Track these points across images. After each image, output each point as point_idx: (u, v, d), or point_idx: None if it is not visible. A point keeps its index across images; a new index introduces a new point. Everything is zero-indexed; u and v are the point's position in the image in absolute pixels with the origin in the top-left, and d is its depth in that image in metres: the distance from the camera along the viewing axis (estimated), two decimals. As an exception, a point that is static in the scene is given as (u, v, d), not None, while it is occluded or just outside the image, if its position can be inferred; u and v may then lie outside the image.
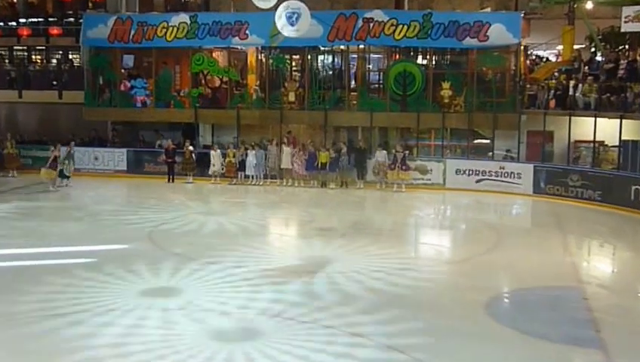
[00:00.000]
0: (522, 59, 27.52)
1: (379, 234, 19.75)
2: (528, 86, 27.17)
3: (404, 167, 25.80)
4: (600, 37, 27.61)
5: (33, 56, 35.84)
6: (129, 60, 30.54)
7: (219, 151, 27.42)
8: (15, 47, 35.24)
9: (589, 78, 24.90)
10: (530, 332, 12.02)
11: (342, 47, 28.76)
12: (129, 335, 11.71)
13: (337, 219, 21.46)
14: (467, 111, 26.72)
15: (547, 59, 32.13)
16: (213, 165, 27.24)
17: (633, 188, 22.25)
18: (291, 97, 28.43)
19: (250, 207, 23.79)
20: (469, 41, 26.35)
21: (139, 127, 30.43)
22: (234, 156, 27.19)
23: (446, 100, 27.00)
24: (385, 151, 26.43)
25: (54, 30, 33.51)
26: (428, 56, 28.53)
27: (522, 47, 27.43)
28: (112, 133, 30.96)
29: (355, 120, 28.17)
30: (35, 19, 35.10)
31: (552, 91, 26.05)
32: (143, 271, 15.22)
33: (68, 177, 26.24)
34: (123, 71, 30.38)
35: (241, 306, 13.09)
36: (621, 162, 23.71)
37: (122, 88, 29.65)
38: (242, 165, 27.10)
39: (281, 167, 27.11)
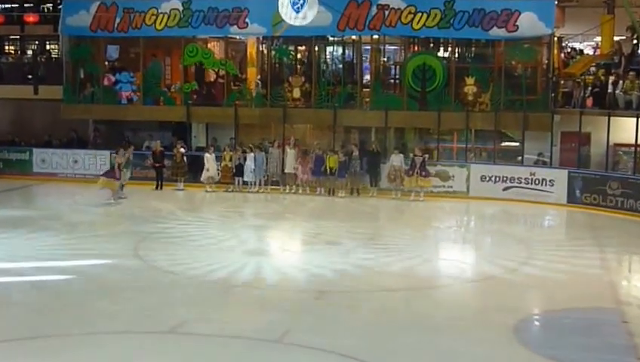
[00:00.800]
0: (556, 52, 27.59)
1: (394, 248, 19.81)
2: (562, 82, 27.27)
3: (423, 173, 25.83)
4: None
5: (6, 47, 35.79)
6: (114, 51, 30.64)
7: (213, 154, 27.41)
8: (-16, 37, 35.50)
9: (631, 73, 24.95)
10: (562, 360, 12.04)
11: (353, 37, 28.90)
12: None
13: (347, 231, 21.47)
14: (494, 110, 26.74)
15: (583, 52, 32.24)
16: (207, 170, 27.19)
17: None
18: (296, 94, 28.52)
19: (249, 217, 23.86)
20: (497, 32, 26.38)
21: (124, 127, 30.59)
22: (230, 160, 27.31)
23: (470, 98, 27.06)
24: (401, 155, 26.46)
25: (30, 17, 33.50)
26: (450, 48, 28.62)
27: (556, 39, 27.49)
28: (94, 134, 31.05)
29: (367, 119, 28.21)
30: (9, 5, 35.34)
31: (589, 88, 26.13)
32: (127, 290, 15.43)
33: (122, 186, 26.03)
34: (107, 63, 30.52)
35: (235, 330, 13.25)
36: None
37: (106, 83, 29.75)
38: (239, 170, 27.23)
39: (285, 171, 27.25)
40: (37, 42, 35.06)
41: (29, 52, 35.06)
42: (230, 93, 29.12)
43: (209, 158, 27.27)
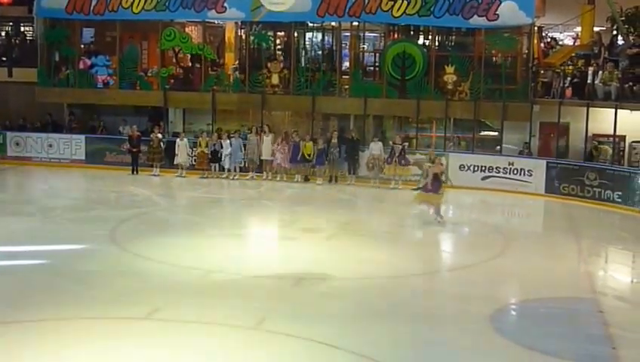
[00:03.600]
0: (536, 41, 27.76)
1: (372, 236, 19.88)
2: (542, 72, 27.47)
3: (402, 162, 25.97)
4: (623, 18, 27.86)
5: (-21, 28, 35.67)
6: (90, 34, 30.48)
7: (185, 140, 27.47)
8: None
9: (610, 64, 25.10)
10: (539, 349, 12.12)
11: (333, 23, 28.89)
12: None
13: (325, 219, 21.55)
14: (473, 99, 26.82)
15: (563, 42, 32.39)
16: (177, 155, 27.23)
17: (658, 188, 22.56)
18: (274, 80, 28.43)
19: (225, 204, 23.88)
20: (477, 20, 26.43)
21: (100, 111, 30.46)
22: (206, 146, 27.31)
23: (450, 86, 27.11)
24: (380, 143, 26.50)
25: (4, -2, 33.42)
26: (430, 37, 28.70)
27: (536, 28, 27.70)
28: (69, 118, 30.87)
29: (346, 107, 28.33)
30: (-18, -14, 34.98)
31: (569, 78, 26.28)
32: (102, 276, 15.40)
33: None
34: (82, 46, 30.39)
35: (211, 316, 13.28)
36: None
37: (81, 66, 29.52)
38: (216, 156, 27.25)
39: (262, 158, 27.26)
40: (11, 24, 34.64)
41: (3, 34, 34.74)
42: (208, 78, 29.04)
43: (179, 144, 27.29)
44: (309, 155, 26.43)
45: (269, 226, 21.56)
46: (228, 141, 26.97)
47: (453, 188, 25.28)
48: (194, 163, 27.49)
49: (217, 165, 27.24)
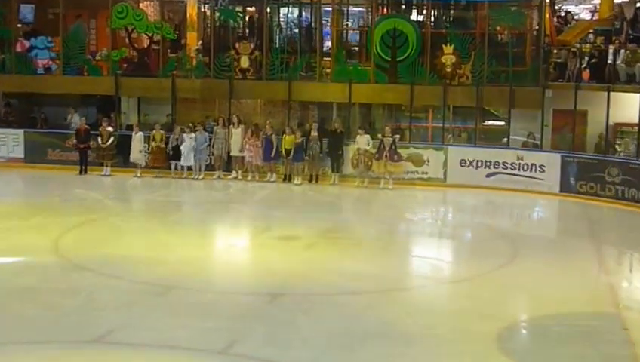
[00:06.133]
0: (548, 16, 27.79)
1: (358, 244, 19.88)
2: (555, 52, 27.45)
3: (394, 157, 25.97)
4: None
5: None
6: (28, 12, 30.36)
7: (140, 134, 27.40)
8: None
9: (633, 45, 25.20)
10: (553, 373, 12.23)
11: (312, -4, 29.04)
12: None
13: (304, 224, 21.55)
14: (475, 83, 26.96)
15: (580, 17, 32.50)
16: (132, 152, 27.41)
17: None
18: (244, 63, 28.44)
19: (187, 208, 23.86)
20: (479, -9, 26.68)
21: (41, 101, 30.33)
22: (162, 140, 27.21)
23: (448, 69, 27.19)
24: (368, 136, 26.48)
25: None
26: (425, 11, 28.78)
27: (548, 1, 27.77)
28: (5, 109, 30.77)
29: (328, 94, 28.37)
30: None
31: (586, 59, 26.34)
32: (45, 293, 15.32)
33: None
34: (20, 26, 30.24)
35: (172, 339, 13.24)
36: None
37: (18, 49, 29.51)
38: (177, 152, 27.11)
39: (230, 154, 27.26)
40: None
41: None
42: (167, 61, 29.05)
43: (135, 138, 27.31)
44: (288, 151, 26.37)
45: (240, 234, 21.51)
46: (192, 135, 26.95)
47: (454, 186, 25.38)
48: (146, 160, 27.43)
49: (177, 163, 27.22)
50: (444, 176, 26.47)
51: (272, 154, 26.54)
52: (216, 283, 16.22)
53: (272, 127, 26.88)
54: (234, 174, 27.09)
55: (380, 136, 26.43)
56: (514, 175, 25.88)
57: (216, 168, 27.21)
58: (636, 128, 24.98)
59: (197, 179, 27.00)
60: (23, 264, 17.18)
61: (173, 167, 27.22)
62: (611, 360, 12.86)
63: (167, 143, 27.01)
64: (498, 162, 26.05)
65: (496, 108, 27.94)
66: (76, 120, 28.45)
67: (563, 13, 31.56)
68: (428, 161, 26.57)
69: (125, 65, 29.36)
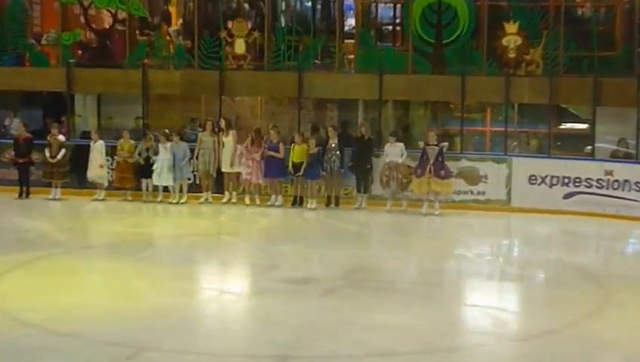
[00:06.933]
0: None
1: (393, 289, 19.79)
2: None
3: (441, 172, 25.94)
4: None
5: None
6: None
7: (101, 142, 27.64)
8: None
9: None
10: None
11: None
12: None
13: (320, 263, 21.55)
14: (548, 73, 27.04)
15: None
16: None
17: None
18: (239, 48, 28.58)
19: (164, 242, 23.85)
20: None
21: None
22: (130, 150, 27.37)
23: (512, 54, 27.26)
24: (401, 145, 26.65)
25: None
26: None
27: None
28: None
29: (352, 88, 28.51)
30: None
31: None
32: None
33: None
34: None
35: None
36: None
37: None
38: (148, 168, 27.21)
39: (222, 170, 27.24)
40: None
41: None
42: (135, 47, 29.08)
43: (94, 149, 27.60)
44: (298, 165, 26.46)
45: (234, 276, 21.37)
46: (168, 145, 26.93)
47: (520, 211, 25.29)
48: (112, 179, 27.48)
49: (149, 182, 27.38)
50: (508, 197, 26.58)
51: (278, 169, 26.50)
52: (202, 343, 16.08)
53: (278, 134, 26.85)
54: (227, 196, 27.13)
55: (421, 144, 26.39)
56: (601, 195, 25.87)
57: (203, 189, 27.23)
58: None
59: (177, 203, 27.00)
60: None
61: (144, 186, 27.23)
62: None
63: (139, 155, 27.06)
64: (579, 178, 26.13)
65: (577, 106, 27.86)
66: (15, 126, 28.49)
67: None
68: (486, 178, 26.77)
69: (80, 51, 29.46)
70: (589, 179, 25.95)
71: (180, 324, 17.00)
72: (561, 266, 22.29)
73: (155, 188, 27.25)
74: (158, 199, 27.16)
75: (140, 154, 27.09)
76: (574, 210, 25.80)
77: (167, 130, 27.40)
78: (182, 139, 27.53)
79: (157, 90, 28.93)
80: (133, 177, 27.35)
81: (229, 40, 28.56)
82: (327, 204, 26.81)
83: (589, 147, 27.15)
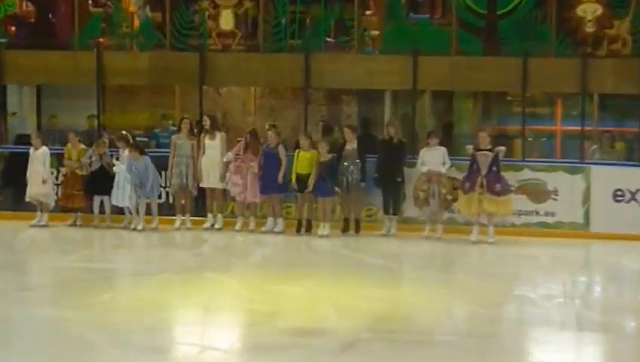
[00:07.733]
0: None
1: (433, 344, 19.70)
2: None
3: (496, 186, 25.84)
4: None
5: None
6: None
7: (44, 149, 27.81)
8: None
9: None
10: None
11: None
12: None
13: (336, 309, 21.42)
14: (638, 53, 26.83)
15: None
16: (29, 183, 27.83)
17: None
18: (226, 23, 28.58)
19: (126, 282, 23.89)
20: None
21: None
22: (79, 159, 27.65)
23: (590, 29, 27.22)
24: (443, 149, 26.80)
25: None
26: None
27: None
28: None
29: (376, 75, 28.54)
30: None
31: None
32: None
33: None
34: None
35: None
36: None
37: None
38: (104, 181, 27.32)
39: (202, 185, 27.24)
40: None
41: None
42: (88, 21, 29.03)
43: (31, 159, 27.73)
44: (304, 177, 26.63)
45: (222, 326, 21.39)
46: (126, 153, 26.91)
47: (602, 237, 25.25)
48: (57, 196, 27.47)
49: (106, 199, 27.45)
50: (586, 220, 26.45)
51: (279, 182, 26.48)
52: None
53: (277, 136, 26.83)
54: (210, 220, 27.13)
55: (469, 149, 26.32)
56: None
57: (177, 210, 27.22)
58: None
59: (142, 229, 26.98)
60: None
61: (96, 207, 27.18)
62: None
63: (90, 165, 27.08)
64: (682, 193, 26.08)
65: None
66: None
67: None
68: (556, 193, 26.63)
69: (14, 28, 29.46)
70: (696, 194, 26.08)
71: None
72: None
73: (118, 208, 27.25)
74: (122, 225, 27.19)
75: (90, 165, 26.99)
76: (675, 236, 25.88)
77: (124, 132, 27.30)
78: (141, 153, 27.19)
79: (116, 78, 29.07)
80: (85, 195, 27.28)
81: (213, 11, 28.66)
82: (345, 230, 26.86)
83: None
